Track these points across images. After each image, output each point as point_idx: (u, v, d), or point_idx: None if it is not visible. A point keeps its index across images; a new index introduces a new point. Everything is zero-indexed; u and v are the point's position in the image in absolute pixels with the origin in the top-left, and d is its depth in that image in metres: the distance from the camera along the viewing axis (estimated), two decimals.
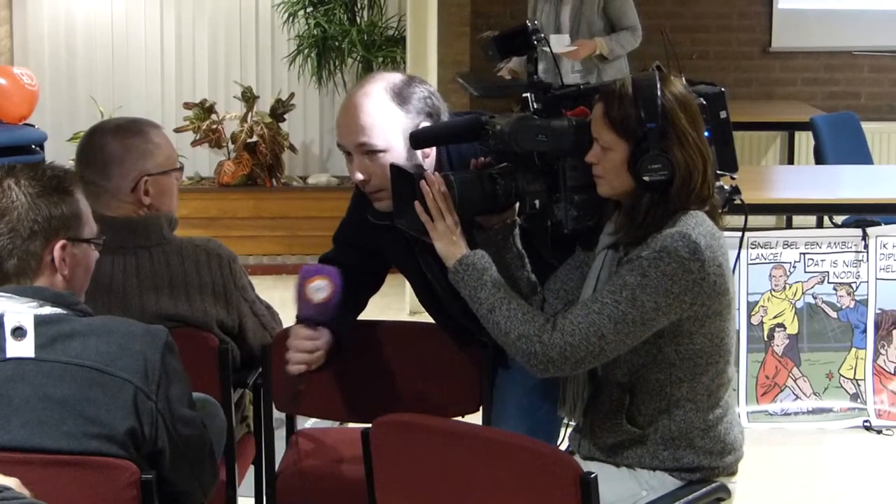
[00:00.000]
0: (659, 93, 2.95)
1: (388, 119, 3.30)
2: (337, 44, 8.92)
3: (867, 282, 5.91)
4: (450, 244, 3.10)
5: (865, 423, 5.89)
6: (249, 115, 8.97)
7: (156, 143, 3.76)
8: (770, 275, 5.88)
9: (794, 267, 5.88)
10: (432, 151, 3.38)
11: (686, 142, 2.96)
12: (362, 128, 3.30)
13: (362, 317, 3.76)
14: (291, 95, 9.14)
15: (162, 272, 3.68)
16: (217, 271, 3.74)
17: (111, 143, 3.71)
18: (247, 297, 3.84)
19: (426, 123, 3.33)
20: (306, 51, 8.97)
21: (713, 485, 3.11)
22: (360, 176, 3.35)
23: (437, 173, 3.14)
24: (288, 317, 3.85)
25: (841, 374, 5.96)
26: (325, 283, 3.21)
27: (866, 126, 8.31)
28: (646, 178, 2.95)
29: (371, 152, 3.31)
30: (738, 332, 5.78)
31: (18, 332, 2.70)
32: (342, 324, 3.46)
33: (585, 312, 2.95)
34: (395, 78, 3.38)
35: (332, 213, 3.71)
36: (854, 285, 5.92)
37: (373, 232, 3.51)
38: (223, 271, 3.75)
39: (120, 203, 3.69)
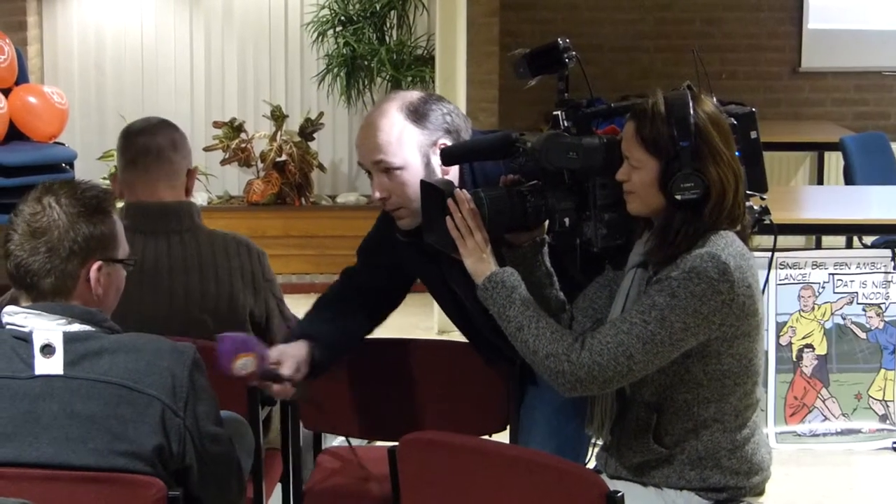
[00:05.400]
0: (691, 111, 2.95)
1: (404, 136, 3.32)
2: (366, 63, 8.93)
3: None
4: (479, 261, 3.10)
5: (894, 445, 5.85)
6: (278, 133, 8.99)
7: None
8: (799, 295, 5.86)
9: (823, 287, 5.86)
10: (454, 169, 3.38)
11: (720, 160, 2.95)
12: (378, 146, 3.33)
13: (391, 335, 3.77)
14: (320, 115, 9.15)
15: (192, 255, 3.82)
16: (246, 258, 3.87)
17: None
18: (275, 292, 3.94)
19: (445, 140, 3.34)
20: (335, 70, 8.98)
21: None
22: (378, 194, 3.37)
23: (464, 190, 3.14)
24: None
25: (870, 395, 5.93)
26: (250, 360, 3.23)
27: None
28: (678, 197, 2.94)
29: (388, 170, 3.33)
30: (767, 352, 5.75)
31: (47, 350, 2.71)
32: (323, 337, 3.48)
33: (614, 332, 2.95)
34: (413, 96, 3.40)
35: (361, 232, 3.72)
36: (883, 306, 5.89)
37: (398, 248, 3.52)
38: (252, 259, 3.89)
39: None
